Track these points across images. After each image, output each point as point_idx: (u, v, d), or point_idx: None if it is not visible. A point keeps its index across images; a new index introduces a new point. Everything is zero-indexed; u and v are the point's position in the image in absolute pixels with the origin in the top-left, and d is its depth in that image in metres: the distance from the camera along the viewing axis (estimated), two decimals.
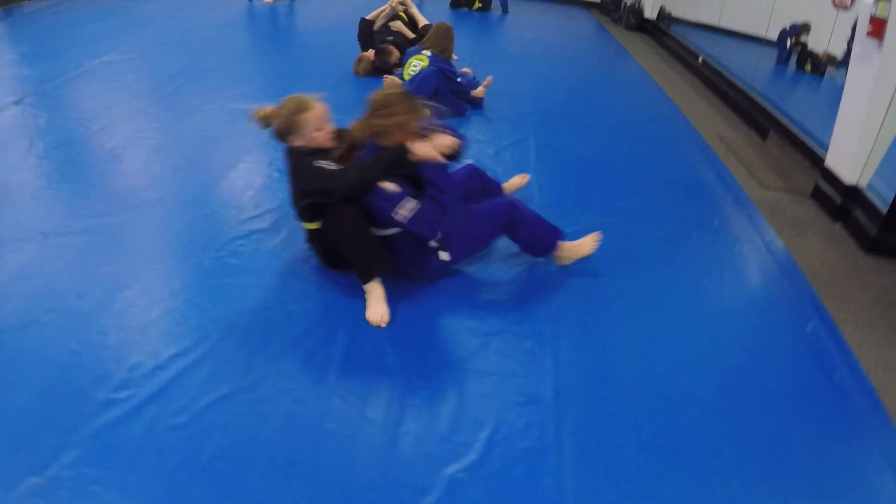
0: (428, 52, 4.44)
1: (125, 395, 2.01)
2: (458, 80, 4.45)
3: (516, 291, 2.63)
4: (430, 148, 2.37)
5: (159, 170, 3.57)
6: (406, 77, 4.45)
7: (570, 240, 2.76)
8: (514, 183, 3.24)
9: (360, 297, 2.48)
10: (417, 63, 4.43)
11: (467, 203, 2.65)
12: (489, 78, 4.59)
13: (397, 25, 5.24)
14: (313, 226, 2.52)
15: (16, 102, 4.43)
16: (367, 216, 2.40)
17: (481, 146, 3.97)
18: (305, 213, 2.52)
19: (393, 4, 5.37)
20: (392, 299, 2.48)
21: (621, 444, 1.92)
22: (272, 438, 1.87)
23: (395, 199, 2.32)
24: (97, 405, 1.97)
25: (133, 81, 5.04)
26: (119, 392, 2.02)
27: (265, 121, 2.52)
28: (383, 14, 5.37)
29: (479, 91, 4.54)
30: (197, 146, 3.91)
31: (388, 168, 2.35)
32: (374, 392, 2.05)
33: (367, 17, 5.34)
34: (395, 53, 5.03)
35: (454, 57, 4.75)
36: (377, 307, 2.40)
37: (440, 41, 4.50)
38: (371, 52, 5.09)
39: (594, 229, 3.01)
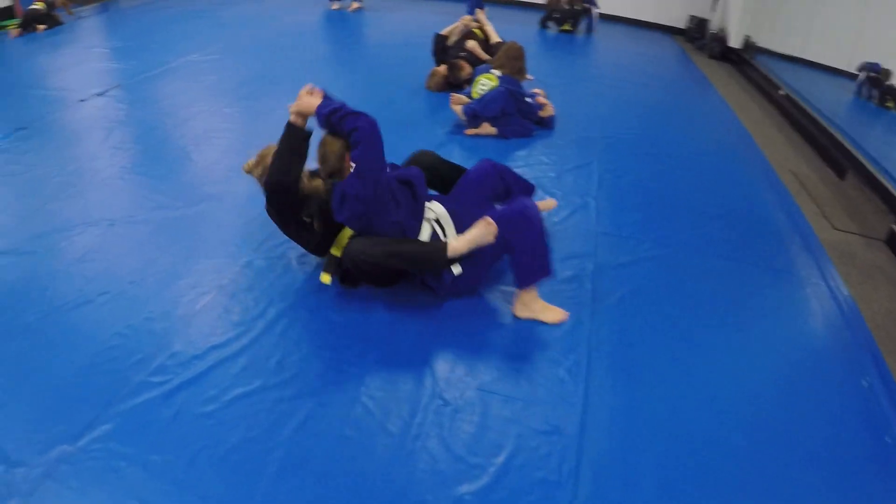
0: (498, 72, 4.45)
1: (160, 380, 2.12)
2: (528, 100, 4.45)
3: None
4: (299, 101, 2.43)
5: (225, 169, 3.73)
6: (474, 95, 4.47)
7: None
8: (541, 205, 3.16)
9: (401, 315, 2.52)
10: (486, 82, 4.44)
11: (485, 204, 2.68)
12: (541, 97, 4.58)
13: (472, 45, 5.29)
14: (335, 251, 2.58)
15: (99, 94, 4.74)
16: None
17: (543, 168, 3.96)
18: (309, 245, 2.65)
19: (465, 22, 5.44)
20: (426, 317, 2.52)
21: (641, 485, 1.87)
22: (291, 437, 1.93)
23: (346, 187, 2.39)
24: (133, 386, 2.09)
25: (213, 82, 5.30)
26: (155, 376, 2.14)
27: (250, 172, 2.67)
28: (457, 30, 5.44)
29: (547, 110, 4.53)
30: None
31: (290, 142, 2.42)
32: (396, 405, 2.08)
33: (442, 33, 5.43)
34: (467, 69, 5.09)
35: (529, 77, 4.75)
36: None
37: (511, 61, 4.48)
38: (443, 67, 5.17)
39: (648, 260, 2.99)
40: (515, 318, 2.54)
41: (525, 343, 2.44)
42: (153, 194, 3.38)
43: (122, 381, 2.12)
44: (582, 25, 8.21)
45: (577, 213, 3.38)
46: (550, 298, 2.63)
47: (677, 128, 5.17)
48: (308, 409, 2.04)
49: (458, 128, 4.46)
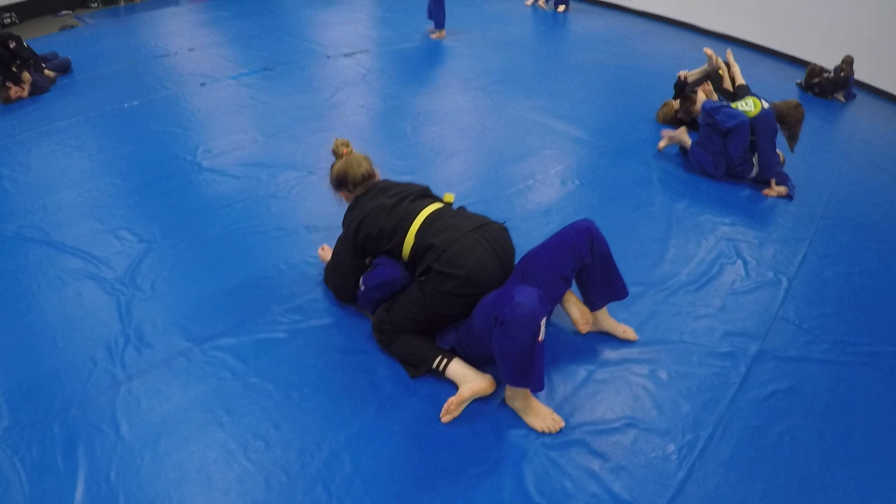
0: (767, 105, 4.24)
1: (293, 319, 2.47)
2: (762, 156, 4.19)
3: (693, 387, 2.40)
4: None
5: (431, 151, 4.04)
6: (735, 106, 4.29)
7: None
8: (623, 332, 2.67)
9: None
10: (750, 104, 4.19)
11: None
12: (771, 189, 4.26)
13: (707, 90, 5.06)
14: None
15: (347, 55, 5.37)
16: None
17: (748, 233, 3.59)
18: None
19: (714, 60, 5.23)
20: (555, 342, 2.51)
21: None
22: (376, 414, 2.11)
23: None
24: (269, 316, 2.48)
25: (452, 67, 5.70)
26: (291, 314, 2.50)
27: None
28: (700, 70, 5.28)
29: (771, 193, 4.23)
30: (475, 140, 4.30)
31: None
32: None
33: (682, 74, 5.33)
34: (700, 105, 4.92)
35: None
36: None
37: (790, 116, 4.24)
38: (677, 102, 5.06)
39: (819, 363, 2.64)
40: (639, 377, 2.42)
41: (645, 406, 2.30)
42: (370, 145, 3.75)
43: (262, 309, 2.47)
44: (841, 93, 7.39)
45: (765, 289, 3.11)
46: (697, 368, 2.50)
47: None
48: (400, 395, 2.20)
49: (675, 164, 4.37)
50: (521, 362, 2.01)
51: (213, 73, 4.90)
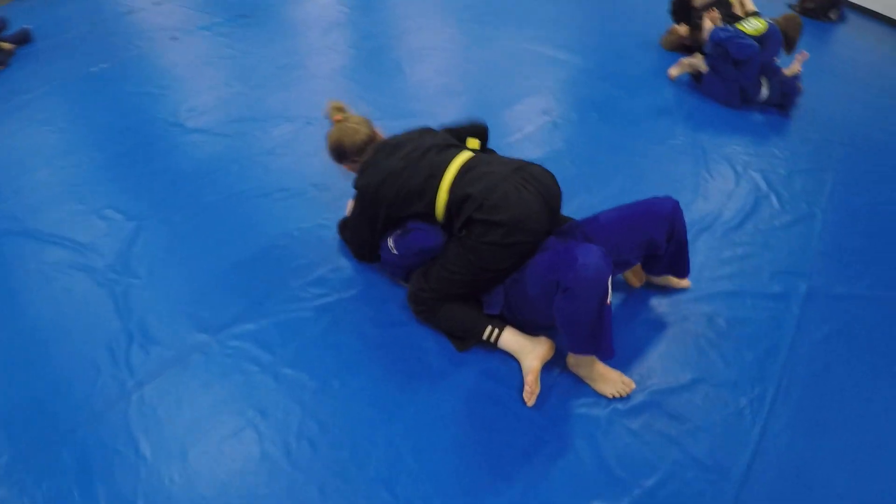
0: (770, 21, 4.09)
1: (317, 293, 2.20)
2: (778, 68, 4.04)
3: (753, 334, 2.28)
4: None
5: (435, 89, 3.72)
6: (742, 28, 4.12)
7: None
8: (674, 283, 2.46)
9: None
10: (756, 24, 4.07)
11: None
12: (803, 55, 4.09)
13: (714, 17, 4.76)
14: None
15: None
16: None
17: (773, 162, 3.49)
18: None
19: None
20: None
21: None
22: (427, 394, 1.87)
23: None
24: (288, 292, 2.20)
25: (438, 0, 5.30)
26: (313, 287, 2.23)
27: None
28: None
29: (799, 59, 4.10)
30: (477, 75, 3.99)
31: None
32: (561, 405, 1.94)
33: None
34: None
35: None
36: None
37: (790, 27, 4.14)
38: (685, 28, 4.74)
39: (866, 300, 2.54)
40: (691, 333, 2.26)
41: (710, 359, 2.16)
42: (357, 101, 3.39)
43: (279, 285, 2.19)
44: (833, 11, 7.06)
45: (801, 224, 2.97)
46: (752, 312, 2.35)
47: None
48: (452, 371, 1.97)
49: (689, 90, 4.16)
50: (589, 329, 1.81)
51: (183, 26, 4.47)
